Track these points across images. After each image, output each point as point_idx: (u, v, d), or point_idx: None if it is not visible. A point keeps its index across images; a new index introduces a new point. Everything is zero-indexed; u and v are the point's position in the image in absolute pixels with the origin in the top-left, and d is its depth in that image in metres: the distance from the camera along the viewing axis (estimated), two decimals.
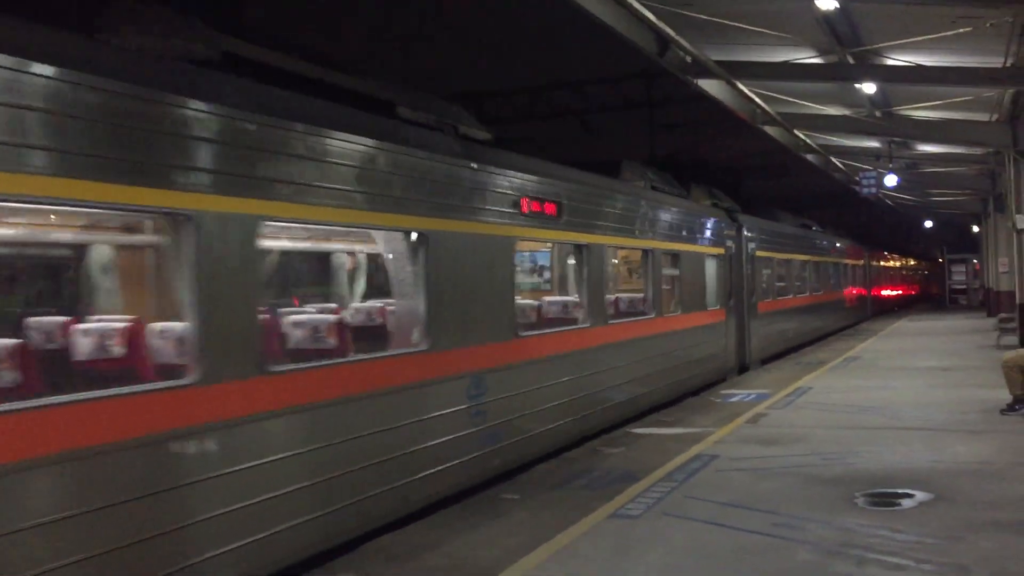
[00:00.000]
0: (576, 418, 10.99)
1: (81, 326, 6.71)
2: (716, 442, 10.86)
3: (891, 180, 23.87)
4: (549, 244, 12.54)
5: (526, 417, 9.76)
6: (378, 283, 10.31)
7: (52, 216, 7.06)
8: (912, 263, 64.90)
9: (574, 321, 11.59)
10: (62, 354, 6.61)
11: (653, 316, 13.80)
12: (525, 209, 9.95)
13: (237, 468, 5.91)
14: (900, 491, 8.09)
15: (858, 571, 6.07)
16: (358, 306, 9.89)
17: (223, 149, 6.04)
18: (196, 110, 5.81)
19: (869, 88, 16.32)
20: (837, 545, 6.61)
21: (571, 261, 13.13)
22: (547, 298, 12.56)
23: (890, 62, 14.90)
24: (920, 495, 7.93)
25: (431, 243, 8.19)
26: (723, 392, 15.66)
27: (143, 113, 5.45)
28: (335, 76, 7.84)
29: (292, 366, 6.85)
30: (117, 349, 6.45)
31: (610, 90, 25.43)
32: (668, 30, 13.04)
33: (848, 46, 13.91)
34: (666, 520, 7.48)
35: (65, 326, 6.82)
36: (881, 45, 13.88)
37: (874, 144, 23.78)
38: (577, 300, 11.86)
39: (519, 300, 10.66)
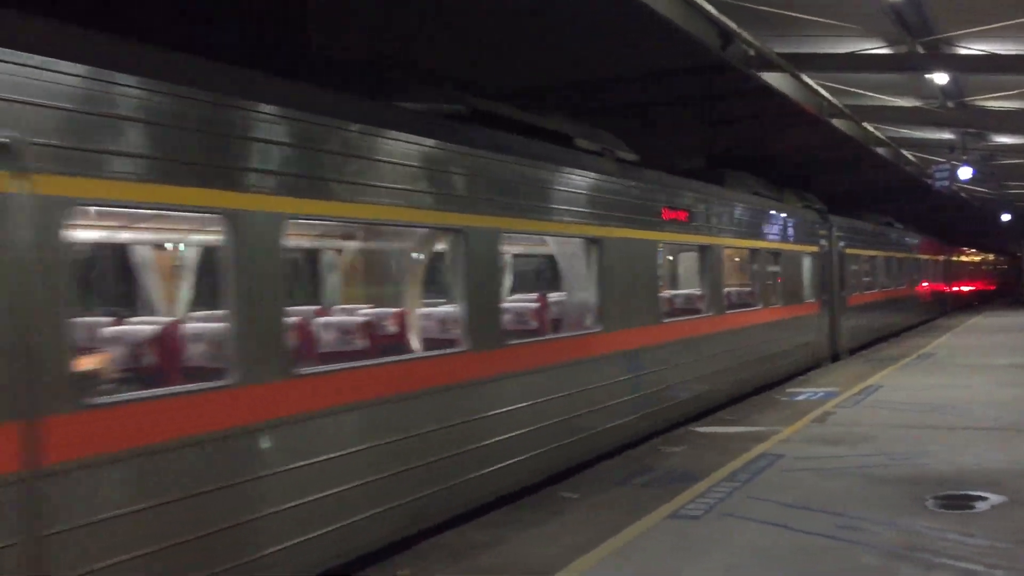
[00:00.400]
0: (700, 393, 13.05)
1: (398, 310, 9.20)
2: (781, 441, 10.67)
3: (965, 173, 23.17)
4: (662, 245, 12.72)
5: (667, 387, 11.94)
6: (547, 278, 13.02)
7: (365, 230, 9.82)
8: (989, 258, 63.02)
9: (698, 311, 13.74)
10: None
11: (760, 307, 16.04)
12: (665, 216, 12.15)
13: (513, 407, 8.52)
14: (972, 493, 7.86)
15: (925, 574, 5.90)
16: (553, 297, 11.51)
17: (480, 181, 8.28)
18: (472, 155, 8.12)
19: (941, 78, 15.85)
20: (903, 548, 6.44)
21: (675, 259, 16.45)
22: (673, 291, 15.14)
23: (962, 51, 14.46)
24: (993, 498, 7.69)
25: (603, 247, 10.36)
26: (789, 390, 15.38)
27: (446, 159, 7.81)
28: (521, 114, 9.92)
29: (518, 340, 9.03)
30: (392, 328, 8.98)
31: (670, 84, 25.13)
32: (731, 23, 12.85)
33: (917, 35, 13.54)
34: (727, 521, 7.37)
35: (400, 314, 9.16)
36: (953, 34, 13.48)
37: (947, 136, 23.13)
38: (700, 293, 14.01)
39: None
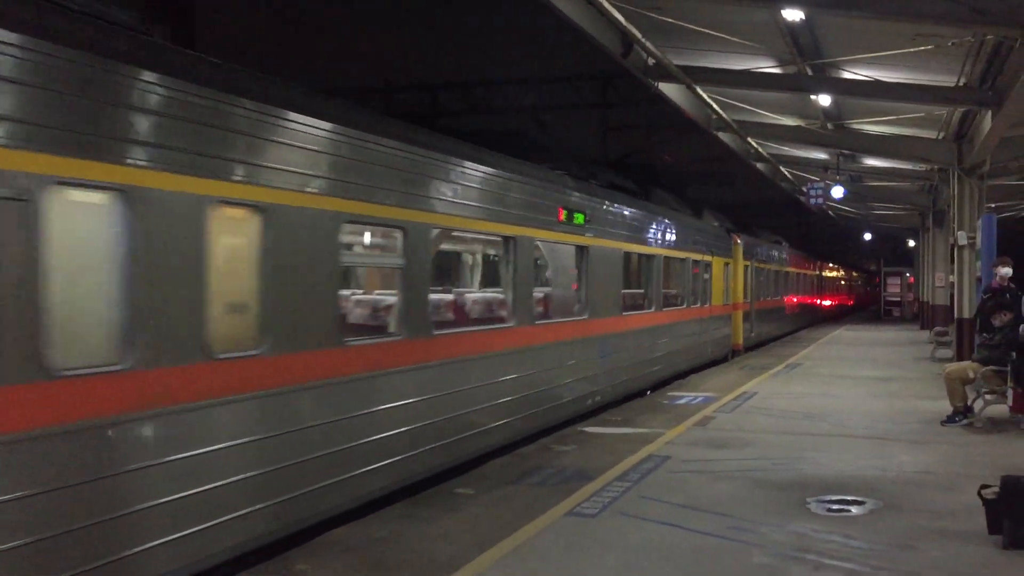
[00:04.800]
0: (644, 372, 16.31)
1: None
2: (666, 443, 10.92)
3: (838, 192, 24.33)
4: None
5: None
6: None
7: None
8: (851, 274, 66.31)
9: (646, 306, 16.88)
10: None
11: (699, 305, 20.35)
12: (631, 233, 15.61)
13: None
14: (850, 498, 8.21)
15: (815, 575, 6.13)
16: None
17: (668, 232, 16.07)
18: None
19: (824, 100, 16.58)
20: (793, 549, 6.67)
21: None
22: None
23: (846, 75, 15.16)
24: (870, 502, 8.05)
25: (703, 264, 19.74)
26: (670, 394, 15.77)
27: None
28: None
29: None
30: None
31: (567, 88, 25.47)
32: (635, 31, 13.07)
33: (809, 57, 14.10)
34: (622, 519, 7.48)
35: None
36: (841, 59, 14.10)
37: (822, 156, 24.21)
38: (643, 291, 17.18)
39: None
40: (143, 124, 5.57)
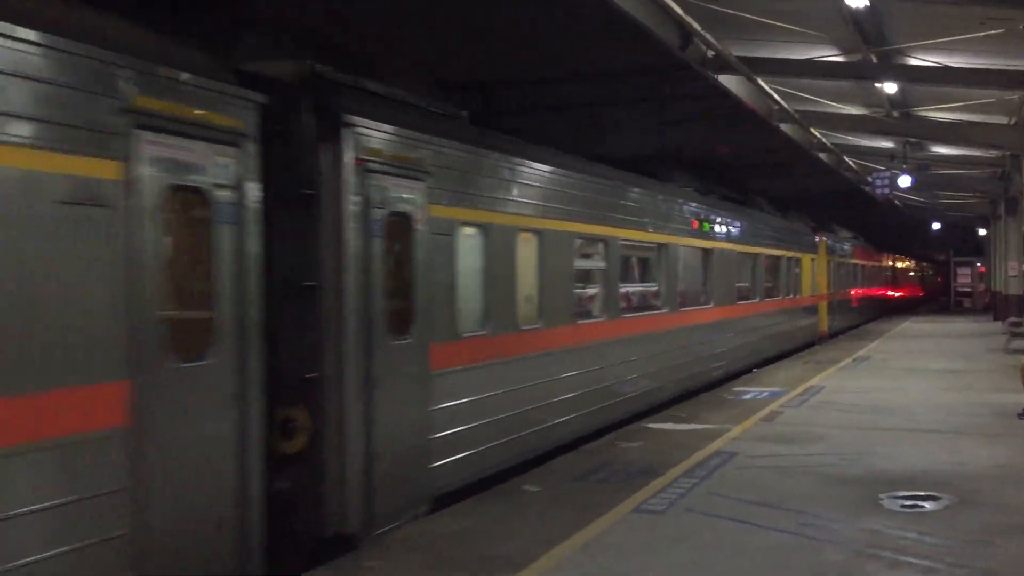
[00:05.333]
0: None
1: None
2: (733, 439, 10.82)
3: (905, 181, 23.78)
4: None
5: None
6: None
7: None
8: (920, 265, 64.89)
9: (751, 296, 19.75)
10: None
11: (792, 297, 23.45)
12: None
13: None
14: (923, 493, 8.05)
15: (890, 573, 6.02)
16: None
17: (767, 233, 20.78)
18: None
19: (890, 88, 16.24)
20: (866, 546, 6.56)
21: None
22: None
23: (912, 62, 14.83)
24: (945, 498, 7.89)
25: (794, 261, 23.27)
26: (735, 390, 15.62)
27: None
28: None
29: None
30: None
31: (622, 83, 25.26)
32: (693, 23, 12.94)
33: (873, 45, 13.82)
34: (691, 516, 7.43)
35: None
36: (906, 45, 13.80)
37: (888, 144, 23.71)
38: (750, 284, 19.78)
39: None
40: (495, 187, 9.19)
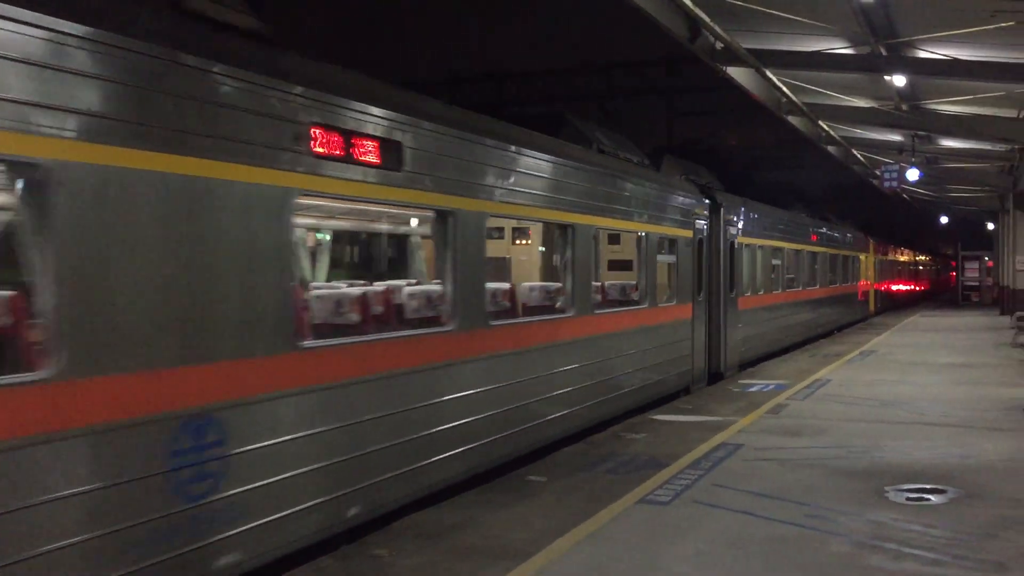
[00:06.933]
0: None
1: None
2: (739, 431, 10.84)
3: (913, 174, 23.70)
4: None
5: None
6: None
7: None
8: (925, 258, 64.72)
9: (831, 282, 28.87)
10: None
11: (851, 284, 32.25)
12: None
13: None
14: (929, 486, 8.06)
15: (895, 565, 6.04)
16: None
17: (840, 239, 30.33)
18: None
19: (899, 81, 16.17)
20: (871, 538, 6.58)
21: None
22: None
23: (922, 54, 14.77)
24: (951, 491, 7.90)
25: (856, 258, 33.70)
26: (741, 382, 15.63)
27: None
28: None
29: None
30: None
31: (632, 75, 25.29)
32: (703, 15, 12.92)
33: (883, 37, 13.77)
34: (696, 507, 7.46)
35: None
36: (916, 37, 13.74)
37: (897, 138, 23.64)
38: (837, 274, 29.69)
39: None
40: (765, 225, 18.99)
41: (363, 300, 7.77)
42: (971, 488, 8.00)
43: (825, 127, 22.62)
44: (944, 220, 54.65)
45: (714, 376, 15.97)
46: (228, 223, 5.48)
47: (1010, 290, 31.66)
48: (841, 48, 14.77)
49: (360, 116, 6.72)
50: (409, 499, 7.23)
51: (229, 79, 5.53)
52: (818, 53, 14.98)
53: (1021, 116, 18.87)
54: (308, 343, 6.25)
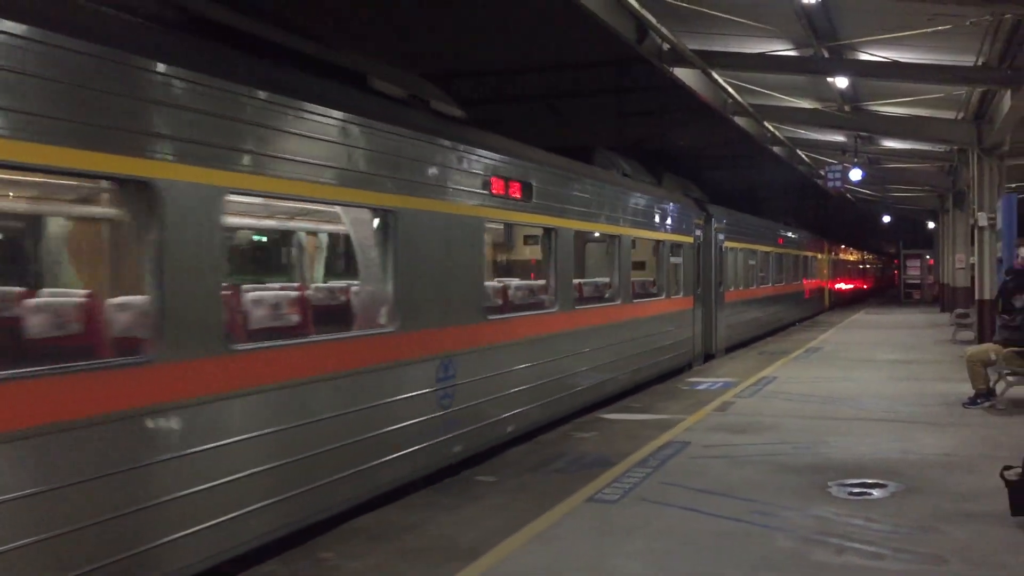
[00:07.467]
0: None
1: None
2: (686, 429, 10.94)
3: (856, 174, 24.16)
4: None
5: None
6: None
7: None
8: (868, 257, 65.98)
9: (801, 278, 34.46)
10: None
11: (820, 280, 38.86)
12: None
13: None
14: (871, 481, 8.21)
15: (838, 559, 6.14)
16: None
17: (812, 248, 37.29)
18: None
19: (841, 82, 16.48)
20: (815, 533, 6.68)
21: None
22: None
23: (863, 56, 15.05)
24: (892, 485, 8.05)
25: (819, 259, 39.63)
26: (689, 380, 15.79)
27: None
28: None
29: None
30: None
31: (580, 75, 25.41)
32: (649, 16, 13.02)
33: (825, 39, 14.01)
34: (644, 505, 7.51)
35: None
36: (857, 40, 14.00)
37: (840, 139, 24.07)
38: (810, 271, 35.71)
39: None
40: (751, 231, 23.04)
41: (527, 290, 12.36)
42: (911, 482, 8.17)
43: (770, 128, 22.96)
44: (887, 219, 55.76)
45: (707, 356, 19.47)
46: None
47: (950, 288, 32.38)
48: (785, 50, 15.00)
49: (511, 167, 10.09)
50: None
51: (464, 154, 9.09)
52: (762, 55, 15.21)
53: (960, 117, 19.34)
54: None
